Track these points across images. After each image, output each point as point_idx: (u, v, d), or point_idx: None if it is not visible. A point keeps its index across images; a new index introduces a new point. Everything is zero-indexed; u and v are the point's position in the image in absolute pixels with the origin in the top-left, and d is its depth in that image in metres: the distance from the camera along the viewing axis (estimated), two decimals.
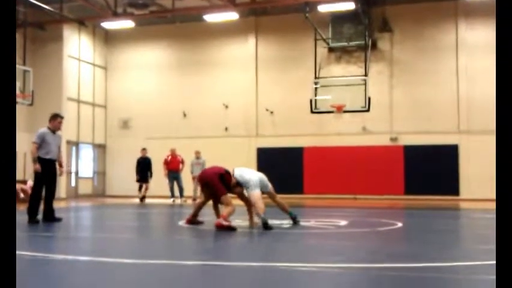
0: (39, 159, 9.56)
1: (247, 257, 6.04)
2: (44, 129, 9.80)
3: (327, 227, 9.30)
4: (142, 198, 18.79)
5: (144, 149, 19.55)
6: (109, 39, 25.40)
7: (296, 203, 18.61)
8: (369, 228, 9.50)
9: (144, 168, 19.05)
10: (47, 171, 9.70)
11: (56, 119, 9.88)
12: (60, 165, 10.16)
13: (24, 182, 19.44)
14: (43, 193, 9.99)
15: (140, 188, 19.10)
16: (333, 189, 21.81)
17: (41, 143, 9.59)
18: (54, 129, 9.84)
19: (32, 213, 9.69)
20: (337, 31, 22.16)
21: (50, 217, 9.93)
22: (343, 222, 10.18)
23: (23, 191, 18.48)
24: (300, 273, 4.86)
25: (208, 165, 17.66)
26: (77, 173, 23.64)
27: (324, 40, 21.75)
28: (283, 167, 21.38)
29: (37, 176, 9.70)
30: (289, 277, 4.67)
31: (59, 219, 9.96)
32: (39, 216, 9.86)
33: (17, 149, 20.90)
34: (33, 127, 21.84)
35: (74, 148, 23.40)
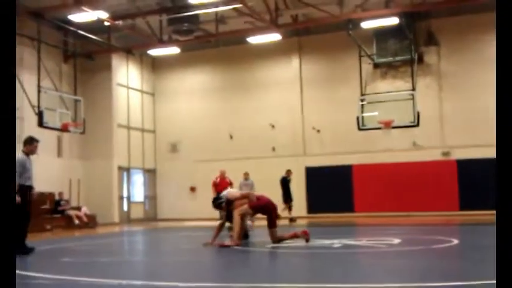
0: (21, 187, 8.79)
1: (302, 279, 5.93)
2: (21, 155, 9.00)
3: (380, 246, 9.07)
4: (292, 219, 18.83)
5: (288, 170, 19.64)
6: (156, 66, 25.96)
7: (347, 221, 18.35)
8: (423, 246, 9.20)
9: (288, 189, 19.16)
10: (28, 198, 8.99)
11: (32, 143, 9.19)
12: (32, 189, 9.37)
13: (79, 208, 19.93)
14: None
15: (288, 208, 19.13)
16: (385, 207, 21.37)
17: (22, 170, 8.84)
18: (29, 154, 9.17)
19: (20, 246, 8.69)
20: (382, 47, 21.94)
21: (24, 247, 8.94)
22: (396, 241, 9.91)
23: (78, 217, 18.92)
24: None
25: (256, 186, 17.68)
26: (128, 198, 24.07)
27: (369, 56, 21.55)
28: (333, 185, 21.16)
29: (18, 207, 8.41)
30: None
31: (31, 249, 9.04)
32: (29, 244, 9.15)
33: (71, 176, 21.52)
34: (86, 154, 22.51)
35: (125, 174, 23.86)
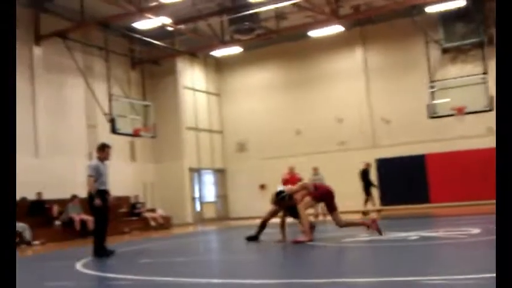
0: (97, 192, 9.22)
1: (382, 272, 5.81)
2: (95, 161, 9.55)
3: (458, 237, 8.75)
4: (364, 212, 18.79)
5: (367, 163, 19.67)
6: (220, 66, 26.26)
7: (422, 213, 17.86)
8: None
9: None
10: (105, 202, 9.38)
11: (104, 150, 9.59)
12: (108, 193, 9.70)
13: (154, 210, 20.46)
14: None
15: None
16: (461, 196, 20.59)
17: (96, 175, 9.28)
18: (103, 159, 9.56)
19: (100, 248, 9.22)
20: (449, 31, 21.15)
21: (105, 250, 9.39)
22: (475, 231, 9.52)
23: (154, 219, 19.43)
24: (435, 287, 4.56)
25: (326, 180, 17.53)
26: (200, 198, 24.50)
27: (436, 42, 20.86)
28: (405, 176, 20.61)
29: (98, 210, 9.24)
30: None
31: (112, 252, 9.41)
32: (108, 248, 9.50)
33: (145, 180, 22.15)
34: (158, 158, 23.11)
35: (196, 175, 24.30)
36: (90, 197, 9.24)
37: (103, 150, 9.55)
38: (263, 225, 10.42)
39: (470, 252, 6.99)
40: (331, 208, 9.82)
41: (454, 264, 6.15)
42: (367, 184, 19.08)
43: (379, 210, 18.80)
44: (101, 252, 9.09)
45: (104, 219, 9.34)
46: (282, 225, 10.15)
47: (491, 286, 4.47)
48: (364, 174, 19.19)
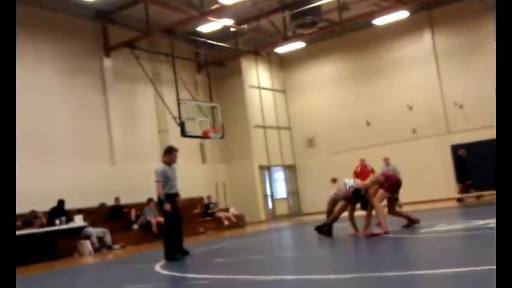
0: (166, 196, 9.17)
1: (463, 262, 5.57)
2: (161, 165, 9.36)
3: None
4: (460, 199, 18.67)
5: (462, 149, 19.49)
6: (284, 62, 26.21)
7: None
8: None
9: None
10: (175, 206, 9.31)
11: (171, 153, 9.46)
12: (177, 195, 9.60)
13: (227, 209, 20.72)
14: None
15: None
16: None
17: (164, 179, 9.20)
18: (170, 163, 9.43)
19: (171, 252, 9.19)
20: None
21: (181, 250, 9.43)
22: None
23: (227, 218, 19.67)
24: None
25: (401, 170, 17.09)
26: (272, 196, 24.57)
27: None
28: (482, 161, 19.64)
29: (169, 215, 9.22)
30: None
31: (188, 253, 9.47)
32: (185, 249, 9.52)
33: (216, 180, 22.46)
34: (228, 158, 23.37)
35: (266, 172, 24.39)
36: (160, 201, 9.29)
37: (170, 153, 9.47)
38: (334, 219, 10.28)
39: None
40: (395, 198, 9.99)
41: None
42: (464, 170, 18.45)
43: (478, 197, 18.24)
44: (173, 255, 9.10)
45: (175, 222, 9.33)
46: (352, 218, 10.08)
47: None
48: (461, 161, 18.57)
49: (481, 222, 9.36)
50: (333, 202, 10.38)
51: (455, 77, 21.84)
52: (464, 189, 18.47)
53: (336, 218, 10.22)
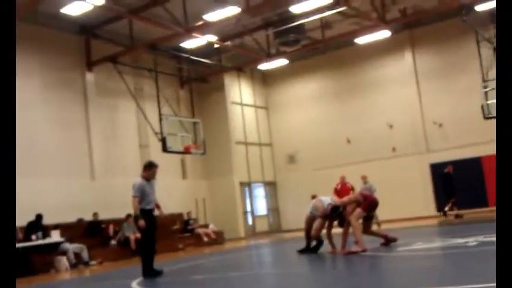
0: (142, 212, 8.94)
1: (444, 281, 5.60)
2: (139, 180, 9.10)
3: None
4: (458, 215, 18.60)
5: (449, 165, 19.36)
6: (266, 79, 26.34)
7: (481, 217, 17.22)
8: None
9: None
10: (152, 221, 9.10)
11: (151, 169, 9.23)
12: (158, 207, 9.45)
13: (206, 226, 20.60)
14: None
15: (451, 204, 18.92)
16: None
17: (141, 195, 8.96)
18: (149, 178, 9.21)
19: (148, 268, 8.97)
20: None
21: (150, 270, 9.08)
22: None
23: (206, 234, 19.55)
24: None
25: (380, 188, 17.21)
26: (252, 212, 24.50)
27: (487, 40, 20.21)
28: (461, 180, 19.90)
29: (144, 230, 8.97)
30: None
31: (160, 272, 9.09)
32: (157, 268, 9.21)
33: (197, 196, 22.36)
34: (209, 174, 23.30)
35: (246, 189, 24.34)
36: (136, 217, 9.06)
37: (150, 169, 9.24)
38: (318, 239, 10.34)
39: None
40: (370, 217, 10.06)
41: None
42: (451, 188, 18.52)
43: (457, 215, 18.30)
44: (150, 272, 8.91)
45: (150, 240, 9.09)
46: (329, 235, 10.14)
47: None
48: (448, 178, 18.64)
49: (460, 240, 9.43)
50: (310, 221, 10.40)
51: (435, 96, 22.13)
52: (451, 205, 18.52)
53: (316, 238, 10.26)
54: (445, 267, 7.13)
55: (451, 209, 18.49)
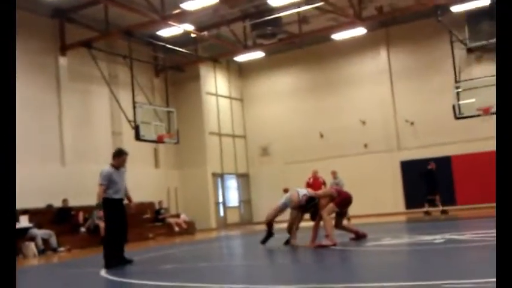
0: (108, 201, 8.72)
1: (408, 276, 5.71)
2: (108, 168, 8.88)
3: (487, 239, 8.55)
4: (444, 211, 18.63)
5: (431, 162, 19.40)
6: (242, 71, 26.32)
7: (449, 215, 17.58)
8: None
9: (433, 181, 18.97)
10: (119, 211, 8.87)
11: (121, 156, 9.01)
12: (129, 199, 9.28)
13: (178, 215, 20.57)
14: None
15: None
16: (489, 198, 20.18)
17: (108, 183, 8.73)
18: (118, 166, 8.97)
19: (111, 260, 8.70)
20: (475, 30, 20.80)
21: (122, 259, 8.92)
22: None
23: (177, 224, 19.52)
24: None
25: (351, 183, 17.39)
26: (224, 203, 24.54)
27: (461, 41, 20.55)
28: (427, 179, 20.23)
29: (110, 220, 8.83)
30: None
31: (130, 261, 8.99)
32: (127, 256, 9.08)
33: (169, 185, 22.28)
34: (181, 163, 23.22)
35: (219, 180, 24.35)
36: (104, 204, 8.79)
37: (119, 156, 9.02)
38: (290, 231, 10.42)
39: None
40: (343, 213, 10.23)
41: (478, 267, 6.01)
42: (434, 184, 18.72)
43: (426, 212, 18.47)
44: (113, 263, 8.63)
45: (120, 229, 8.86)
46: (297, 228, 10.30)
47: None
48: (431, 174, 18.84)
49: (427, 237, 9.62)
50: (280, 212, 10.40)
51: (408, 95, 22.44)
52: (434, 202, 18.76)
53: (294, 229, 10.28)
54: (411, 263, 7.29)
55: (435, 205, 18.63)
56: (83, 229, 16.35)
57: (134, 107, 17.83)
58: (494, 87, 17.01)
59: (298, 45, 23.79)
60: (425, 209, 18.51)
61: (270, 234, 10.62)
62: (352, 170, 21.21)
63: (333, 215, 9.91)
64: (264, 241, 10.55)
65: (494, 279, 4.78)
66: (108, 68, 19.97)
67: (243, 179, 25.77)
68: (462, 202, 20.57)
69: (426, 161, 19.88)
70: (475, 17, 20.38)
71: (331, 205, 9.64)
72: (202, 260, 9.83)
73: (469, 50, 21.15)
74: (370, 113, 23.03)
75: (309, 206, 9.88)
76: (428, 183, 18.63)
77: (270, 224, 10.58)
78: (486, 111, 17.47)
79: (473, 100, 17.87)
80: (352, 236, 10.33)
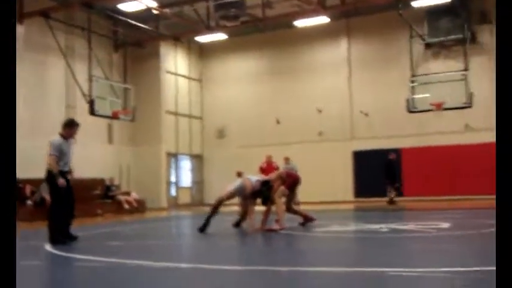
0: (61, 173, 8.34)
1: (351, 262, 5.87)
2: (58, 138, 8.43)
3: (428, 231, 8.86)
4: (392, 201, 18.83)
5: (392, 152, 19.55)
6: (203, 52, 26.12)
7: (395, 206, 18.04)
8: (473, 231, 8.93)
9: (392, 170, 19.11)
10: (67, 185, 8.42)
11: (72, 127, 8.59)
12: (70, 172, 8.77)
13: (128, 193, 20.37)
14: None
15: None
16: (435, 191, 20.87)
17: (59, 154, 8.33)
18: (68, 137, 8.56)
19: (56, 235, 8.35)
20: (434, 26, 21.25)
21: (67, 235, 8.55)
22: (445, 225, 9.67)
23: (128, 202, 19.34)
24: (402, 278, 4.63)
25: (304, 170, 17.59)
26: (176, 183, 24.46)
27: (420, 36, 20.97)
28: (381, 169, 20.73)
29: (56, 194, 8.37)
30: (392, 282, 4.47)
31: (75, 238, 8.64)
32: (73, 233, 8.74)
33: (121, 162, 22.03)
34: (136, 141, 22.96)
35: (173, 159, 24.23)
36: (51, 176, 8.33)
37: (71, 127, 8.58)
38: (243, 217, 10.42)
39: (438, 246, 7.08)
40: (293, 196, 10.46)
41: (420, 256, 6.24)
42: (393, 174, 19.01)
43: (392, 201, 18.80)
44: (58, 239, 8.29)
45: (67, 203, 8.43)
46: (244, 217, 10.32)
47: (455, 279, 4.55)
48: (391, 164, 19.11)
49: (374, 226, 9.88)
50: (231, 197, 10.17)
51: (365, 86, 22.79)
52: (395, 191, 19.13)
53: (250, 217, 10.12)
54: (356, 250, 7.48)
55: (390, 195, 19.06)
56: (29, 202, 16.00)
57: (90, 81, 17.50)
58: (448, 83, 17.50)
59: (260, 29, 23.77)
60: (389, 198, 18.82)
61: (211, 216, 10.03)
62: (306, 157, 21.46)
63: (284, 199, 10.02)
64: (202, 229, 9.83)
65: (434, 269, 4.98)
66: (66, 39, 19.48)
67: (197, 160, 25.71)
68: (409, 194, 21.11)
69: (378, 152, 20.31)
70: (434, 13, 20.82)
71: (282, 188, 9.75)
72: (150, 238, 9.82)
73: (427, 46, 21.61)
74: (326, 101, 23.28)
75: (266, 189, 9.71)
76: (388, 173, 19.01)
77: (217, 206, 10.17)
78: (438, 107, 17.94)
79: (427, 95, 18.30)
80: (301, 220, 10.47)
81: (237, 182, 10.22)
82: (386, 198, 19.06)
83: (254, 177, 10.23)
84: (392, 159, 19.19)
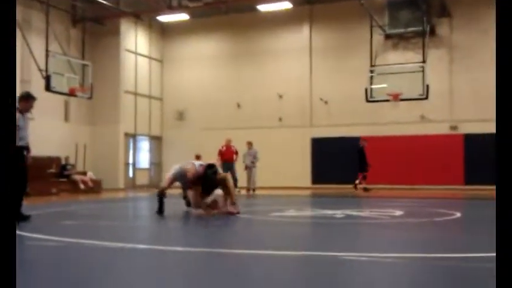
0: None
1: (304, 247, 5.97)
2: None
3: (382, 217, 9.08)
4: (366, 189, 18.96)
5: (363, 139, 19.64)
6: (165, 32, 25.77)
7: (351, 193, 18.38)
8: (425, 219, 9.22)
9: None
10: (20, 160, 7.95)
11: (28, 100, 8.23)
12: (28, 149, 8.33)
13: (84, 173, 20.07)
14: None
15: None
16: (390, 180, 21.36)
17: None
18: (24, 111, 8.22)
19: (16, 213, 7.90)
20: (394, 17, 21.60)
21: (17, 215, 8.00)
22: (398, 213, 9.94)
23: (83, 182, 19.06)
24: (353, 262, 4.74)
25: (263, 155, 17.70)
26: (134, 164, 24.20)
27: (380, 27, 21.26)
28: (338, 157, 21.10)
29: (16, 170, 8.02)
30: (343, 267, 4.57)
31: (27, 217, 8.27)
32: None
33: (78, 141, 21.63)
34: (93, 120, 22.57)
35: (131, 140, 23.95)
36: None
37: (27, 100, 8.22)
38: (188, 204, 10.34)
39: (389, 232, 7.28)
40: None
41: (371, 242, 6.39)
42: (363, 162, 19.22)
43: (366, 189, 19.03)
44: (17, 217, 7.92)
45: (20, 181, 7.81)
46: (186, 195, 10.30)
47: (402, 265, 4.69)
48: (363, 152, 19.29)
49: (329, 212, 10.06)
50: (172, 182, 9.82)
51: (325, 74, 23.01)
52: (364, 178, 19.42)
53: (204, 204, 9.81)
54: (310, 234, 7.61)
55: (360, 183, 19.36)
56: None
57: (47, 56, 17.04)
58: (406, 75, 17.82)
59: (223, 11, 23.62)
60: (363, 185, 19.13)
61: (161, 203, 9.65)
62: (266, 142, 21.58)
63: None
64: (159, 211, 9.53)
65: (383, 254, 5.12)
66: (23, 12, 18.88)
67: (156, 141, 25.49)
68: (366, 182, 21.48)
69: (336, 140, 20.57)
70: (395, 4, 21.15)
71: (228, 174, 9.97)
72: (104, 218, 9.72)
73: (387, 36, 21.96)
74: (287, 87, 23.41)
75: (211, 172, 9.47)
76: (360, 160, 19.28)
77: (161, 197, 9.60)
78: (395, 97, 18.27)
79: (385, 85, 18.60)
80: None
81: (176, 166, 9.81)
82: (350, 186, 19.38)
83: (198, 162, 10.15)
84: (363, 146, 19.45)
